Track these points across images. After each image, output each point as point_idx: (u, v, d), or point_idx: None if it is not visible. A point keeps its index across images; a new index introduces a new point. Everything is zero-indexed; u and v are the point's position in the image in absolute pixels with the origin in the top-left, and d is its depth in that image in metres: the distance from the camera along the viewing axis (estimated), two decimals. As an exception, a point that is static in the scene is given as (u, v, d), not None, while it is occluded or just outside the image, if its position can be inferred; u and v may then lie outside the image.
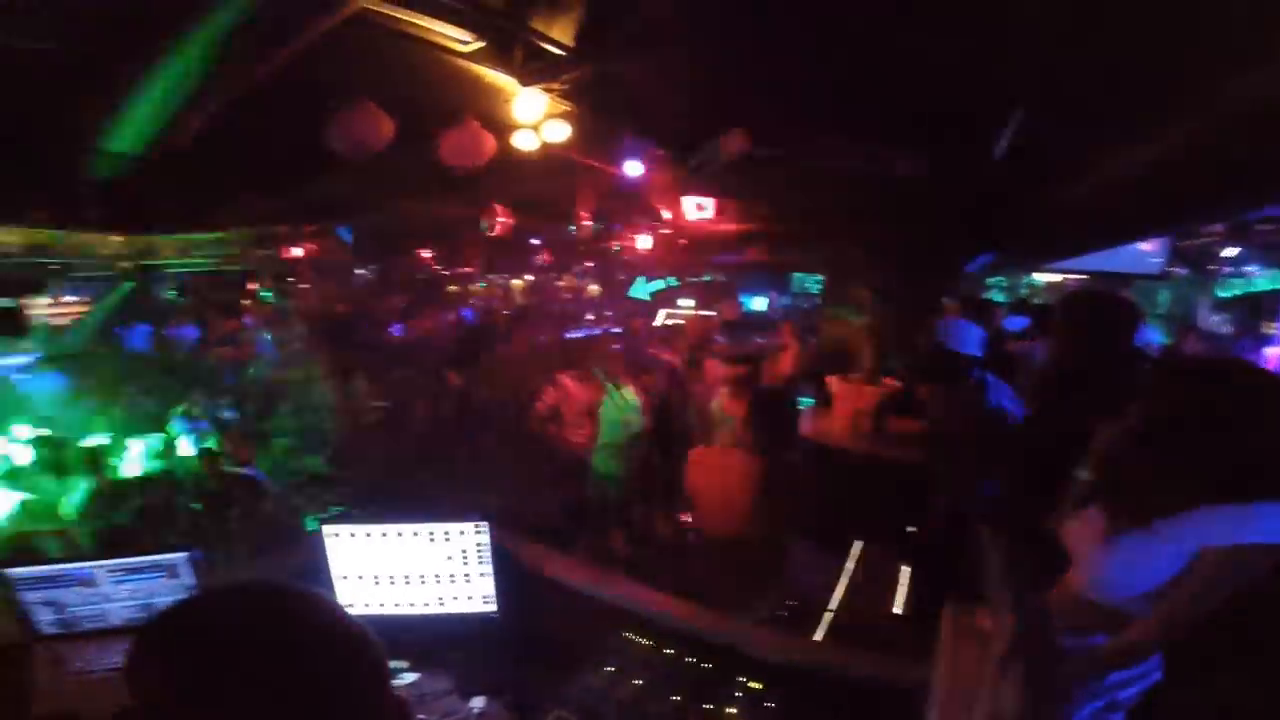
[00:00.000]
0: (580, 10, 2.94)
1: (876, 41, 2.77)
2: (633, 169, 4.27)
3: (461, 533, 2.11)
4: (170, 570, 2.07)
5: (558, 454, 4.01)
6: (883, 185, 3.60)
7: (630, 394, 4.69)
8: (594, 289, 14.26)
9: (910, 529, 3.08)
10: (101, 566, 2.07)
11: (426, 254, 13.57)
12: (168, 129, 2.96)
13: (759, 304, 10.76)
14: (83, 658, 2.03)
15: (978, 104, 3.24)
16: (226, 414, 6.12)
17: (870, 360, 4.70)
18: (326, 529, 2.07)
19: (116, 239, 6.86)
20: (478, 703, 1.91)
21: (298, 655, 0.69)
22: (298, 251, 9.82)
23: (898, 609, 2.58)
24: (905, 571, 2.72)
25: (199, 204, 5.58)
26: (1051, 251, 5.93)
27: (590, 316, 11.29)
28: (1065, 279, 9.60)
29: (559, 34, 2.99)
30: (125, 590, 2.09)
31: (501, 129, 3.68)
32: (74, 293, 9.35)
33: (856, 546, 2.89)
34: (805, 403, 5.09)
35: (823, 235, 4.68)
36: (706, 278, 9.95)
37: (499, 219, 6.35)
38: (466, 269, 11.99)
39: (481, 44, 3.04)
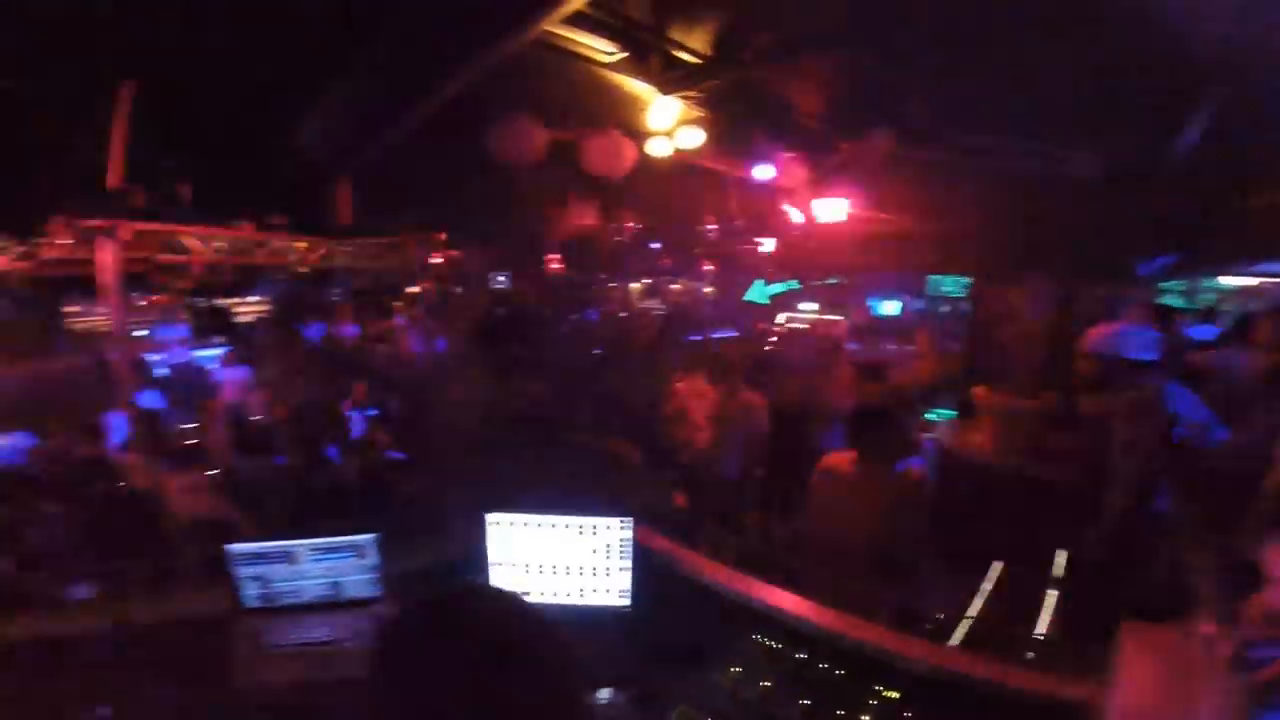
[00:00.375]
0: (719, 20, 2.98)
1: (1044, 35, 2.58)
2: (763, 171, 4.25)
3: (607, 528, 2.21)
4: (360, 551, 2.23)
5: (683, 456, 4.05)
6: (1050, 184, 3.33)
7: (749, 398, 4.63)
8: (708, 291, 14.24)
9: (1061, 551, 2.84)
10: (304, 544, 2.20)
11: (555, 259, 14.19)
12: (364, 140, 3.30)
13: (890, 308, 10.22)
14: (278, 632, 2.14)
15: (1161, 98, 2.92)
16: (381, 407, 6.74)
17: (1026, 370, 4.34)
18: (489, 516, 2.22)
19: (302, 244, 7.73)
20: (604, 694, 1.98)
21: (542, 658, 0.79)
22: (437, 259, 10.61)
23: (1040, 631, 2.39)
24: (1051, 594, 2.53)
25: (373, 209, 6.17)
26: (1252, 253, 5.17)
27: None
28: (1261, 283, 8.30)
29: (696, 43, 3.05)
30: (320, 568, 2.22)
31: (636, 137, 3.79)
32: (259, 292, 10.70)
33: (995, 567, 2.71)
34: (944, 415, 4.81)
35: (975, 235, 4.38)
36: (832, 280, 9.61)
37: (626, 223, 6.54)
38: (594, 274, 12.36)
39: (624, 54, 3.16)
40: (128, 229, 4.53)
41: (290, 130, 3.42)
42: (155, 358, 9.76)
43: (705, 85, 3.32)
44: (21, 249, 6.55)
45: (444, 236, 9.45)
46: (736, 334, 7.19)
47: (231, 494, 5.22)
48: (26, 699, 1.83)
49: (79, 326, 10.36)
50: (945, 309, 10.15)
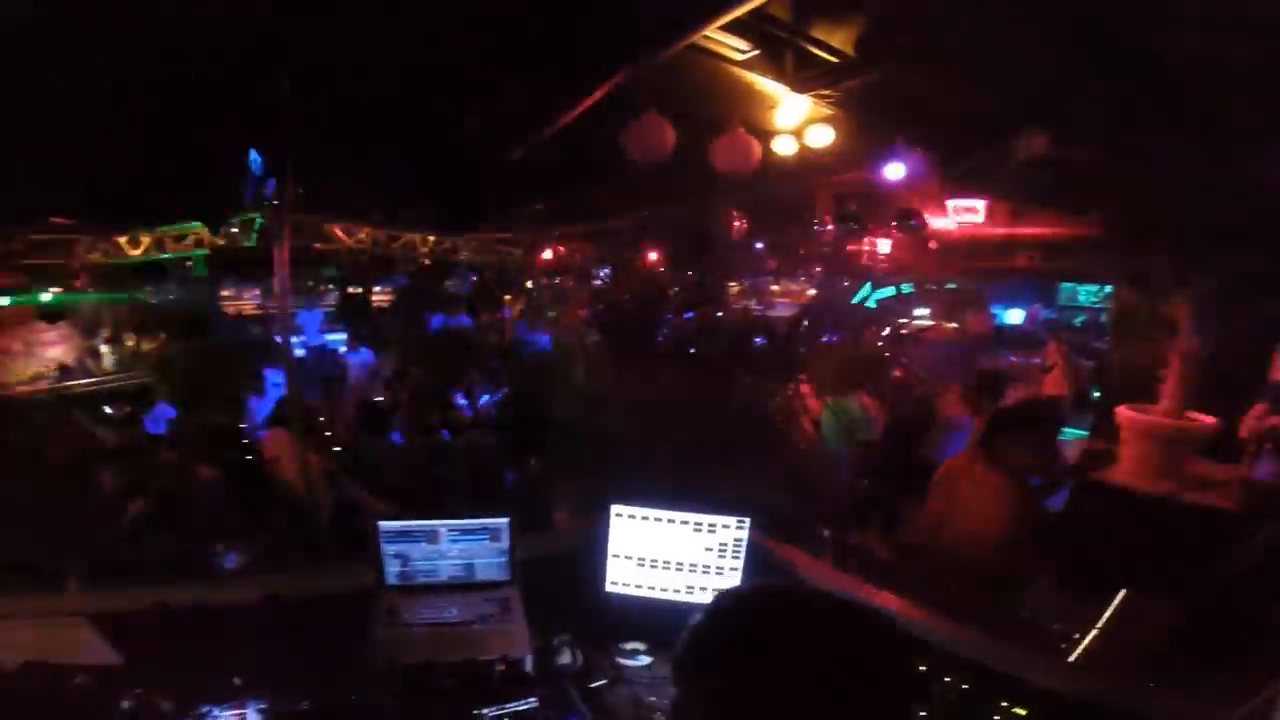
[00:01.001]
0: (863, 18, 2.90)
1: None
2: (894, 172, 4.10)
3: (725, 526, 2.22)
4: (494, 534, 2.28)
5: (794, 458, 4.01)
6: (1223, 187, 3.00)
7: (855, 404, 4.50)
8: (812, 293, 13.89)
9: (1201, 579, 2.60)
10: (444, 525, 2.26)
11: (653, 256, 14.36)
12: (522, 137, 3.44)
13: (1014, 316, 9.53)
14: (410, 610, 2.18)
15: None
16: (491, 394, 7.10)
17: (1177, 390, 3.95)
18: (614, 508, 2.28)
19: (431, 238, 8.25)
20: None
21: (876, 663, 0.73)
22: (547, 254, 10.99)
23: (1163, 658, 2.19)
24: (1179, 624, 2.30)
25: (499, 205, 6.47)
26: None
27: (807, 323, 11.01)
28: None
29: (837, 41, 2.99)
30: (457, 549, 2.28)
31: (758, 135, 3.77)
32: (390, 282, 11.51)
33: (1121, 592, 2.50)
34: (1074, 434, 4.47)
35: (1132, 242, 4.00)
36: (950, 285, 9.09)
37: (735, 223, 6.51)
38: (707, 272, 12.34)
39: (756, 52, 3.15)
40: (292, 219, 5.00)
41: (452, 123, 3.60)
42: (293, 339, 10.76)
43: (843, 85, 3.25)
44: (194, 237, 7.42)
45: (557, 232, 9.69)
46: (848, 337, 6.99)
47: (355, 471, 5.69)
48: (183, 663, 1.91)
49: (230, 309, 11.64)
50: (1077, 320, 9.33)
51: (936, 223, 5.25)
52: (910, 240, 5.90)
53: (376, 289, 11.95)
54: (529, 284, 11.35)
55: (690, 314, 8.60)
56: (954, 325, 8.17)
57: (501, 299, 12.18)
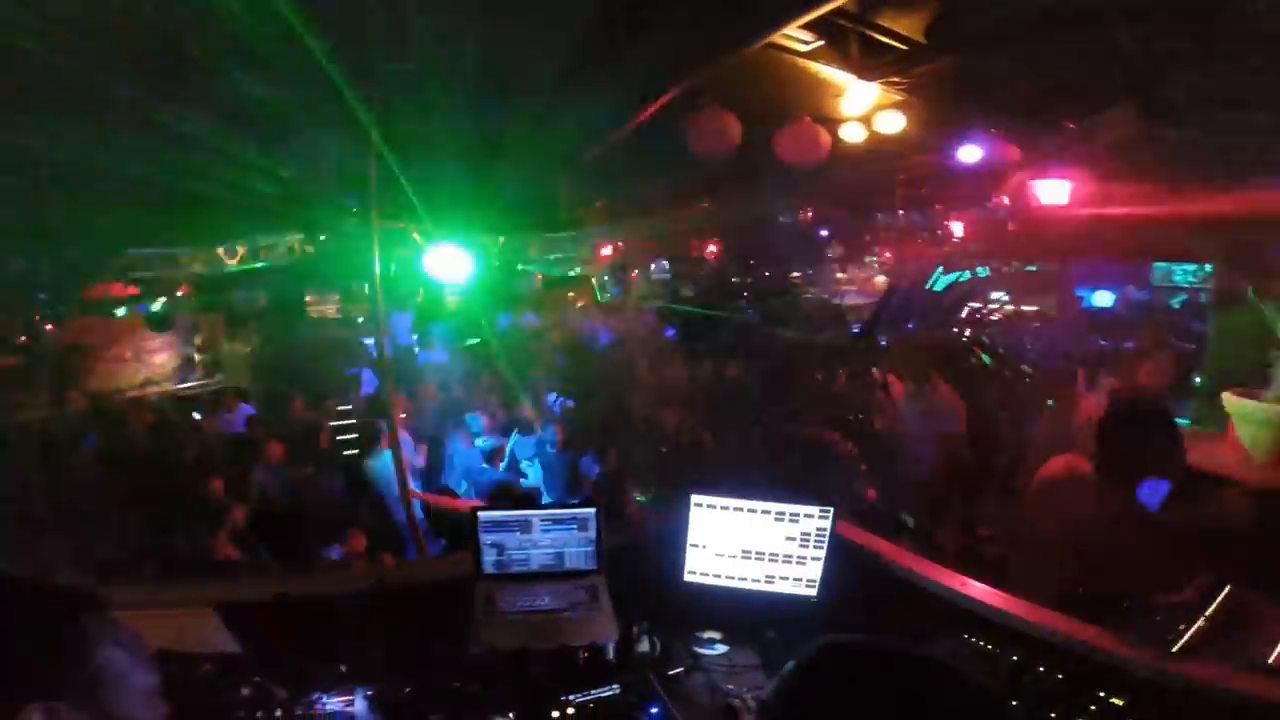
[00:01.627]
0: (934, 5, 2.83)
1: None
2: (969, 154, 3.97)
3: (807, 516, 2.23)
4: (582, 523, 2.35)
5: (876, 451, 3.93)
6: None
7: (936, 393, 4.36)
8: (880, 280, 13.51)
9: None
10: (537, 515, 2.35)
11: (713, 249, 14.29)
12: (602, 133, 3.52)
13: (1103, 299, 8.94)
14: (506, 598, 2.25)
15: None
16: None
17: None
18: (694, 498, 2.30)
19: (501, 238, 8.52)
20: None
21: None
22: (607, 248, 11.12)
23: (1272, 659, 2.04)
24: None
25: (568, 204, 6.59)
26: None
27: (886, 311, 10.68)
28: None
29: (906, 28, 2.92)
30: (548, 539, 2.34)
31: (825, 123, 3.72)
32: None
33: (1225, 588, 2.33)
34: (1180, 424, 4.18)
35: (1230, 216, 3.73)
36: (1031, 267, 8.64)
37: (800, 212, 6.43)
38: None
39: (820, 43, 3.12)
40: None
41: (532, 124, 3.70)
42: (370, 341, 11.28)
43: (914, 71, 3.17)
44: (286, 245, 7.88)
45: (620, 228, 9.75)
46: (928, 324, 6.73)
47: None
48: (295, 651, 1.98)
49: (313, 312, 12.30)
50: (1176, 300, 8.65)
51: (1017, 204, 5.03)
52: (987, 223, 5.67)
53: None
54: (592, 280, 11.53)
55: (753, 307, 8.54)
56: (1035, 309, 7.79)
57: (565, 296, 12.41)
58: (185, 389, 9.60)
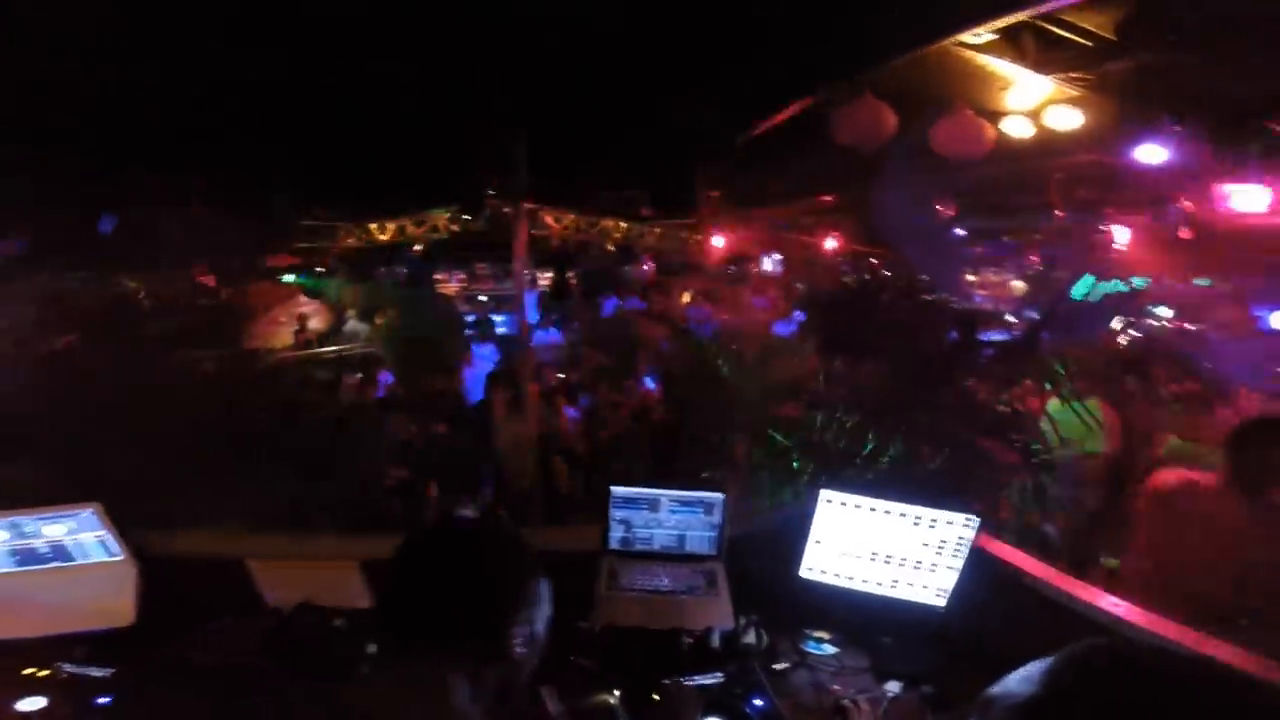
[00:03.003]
0: (1130, 1, 2.61)
1: None
2: (1151, 154, 3.61)
3: (949, 523, 2.14)
4: (709, 507, 2.35)
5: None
6: None
7: (1088, 409, 4.04)
8: (1017, 285, 12.52)
9: None
10: (666, 494, 2.34)
11: (831, 244, 13.82)
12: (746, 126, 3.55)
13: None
14: (628, 575, 2.28)
15: None
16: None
17: None
18: (824, 493, 2.25)
19: (623, 225, 8.75)
20: (893, 687, 1.96)
21: None
22: (719, 240, 11.04)
23: None
24: None
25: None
26: None
27: (1011, 318, 9.95)
28: None
29: (1094, 24, 2.71)
30: (674, 520, 2.36)
31: (986, 116, 3.52)
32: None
33: None
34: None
35: None
36: (1201, 281, 7.69)
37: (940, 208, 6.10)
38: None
39: (993, 36, 2.95)
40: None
41: (674, 113, 3.78)
42: (497, 318, 11.93)
43: (1101, 68, 2.95)
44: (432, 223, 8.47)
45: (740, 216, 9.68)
46: (1086, 335, 6.20)
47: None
48: None
49: (442, 290, 13.11)
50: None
51: (1199, 211, 4.52)
52: (1156, 229, 5.12)
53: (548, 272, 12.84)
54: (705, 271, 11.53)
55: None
56: (1201, 326, 6.97)
57: (674, 284, 12.49)
58: (328, 353, 10.57)
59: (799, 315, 8.47)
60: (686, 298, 12.32)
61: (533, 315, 9.91)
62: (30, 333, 3.31)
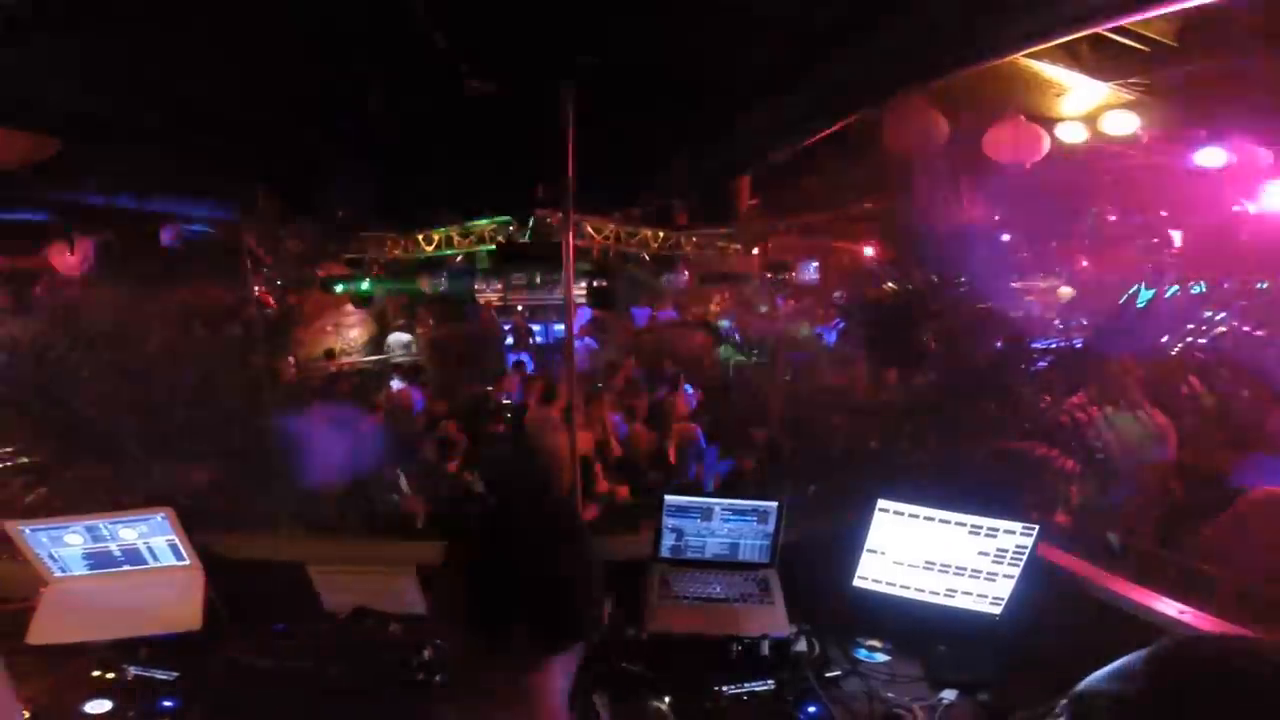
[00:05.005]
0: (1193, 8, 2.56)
1: None
2: (1210, 157, 3.53)
3: (1008, 531, 2.13)
4: (763, 516, 2.36)
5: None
6: None
7: (1142, 418, 3.93)
8: (1065, 291, 12.17)
9: None
10: (719, 503, 2.36)
11: (870, 251, 13.64)
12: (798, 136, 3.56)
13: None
14: (679, 582, 2.30)
15: None
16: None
17: None
18: (880, 503, 2.25)
19: (661, 234, 8.82)
20: (948, 695, 1.94)
21: None
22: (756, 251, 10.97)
23: None
24: None
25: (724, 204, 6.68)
26: None
27: (1059, 324, 9.65)
28: None
29: (1154, 30, 2.68)
30: (726, 528, 2.36)
31: (1038, 121, 3.48)
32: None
33: None
34: None
35: None
36: (1263, 284, 7.36)
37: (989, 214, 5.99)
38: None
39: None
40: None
41: (727, 126, 3.80)
42: (535, 327, 12.11)
43: (1161, 72, 2.91)
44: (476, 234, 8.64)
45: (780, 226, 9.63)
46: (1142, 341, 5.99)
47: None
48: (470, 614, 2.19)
49: (481, 300, 13.37)
50: None
51: (1261, 211, 4.37)
52: (1216, 233, 4.95)
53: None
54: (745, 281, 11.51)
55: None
56: (1263, 331, 6.68)
57: (710, 294, 12.47)
58: (369, 361, 10.85)
59: (838, 323, 8.41)
60: (715, 306, 12.32)
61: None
62: (109, 340, 3.48)
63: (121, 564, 2.31)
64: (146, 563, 2.31)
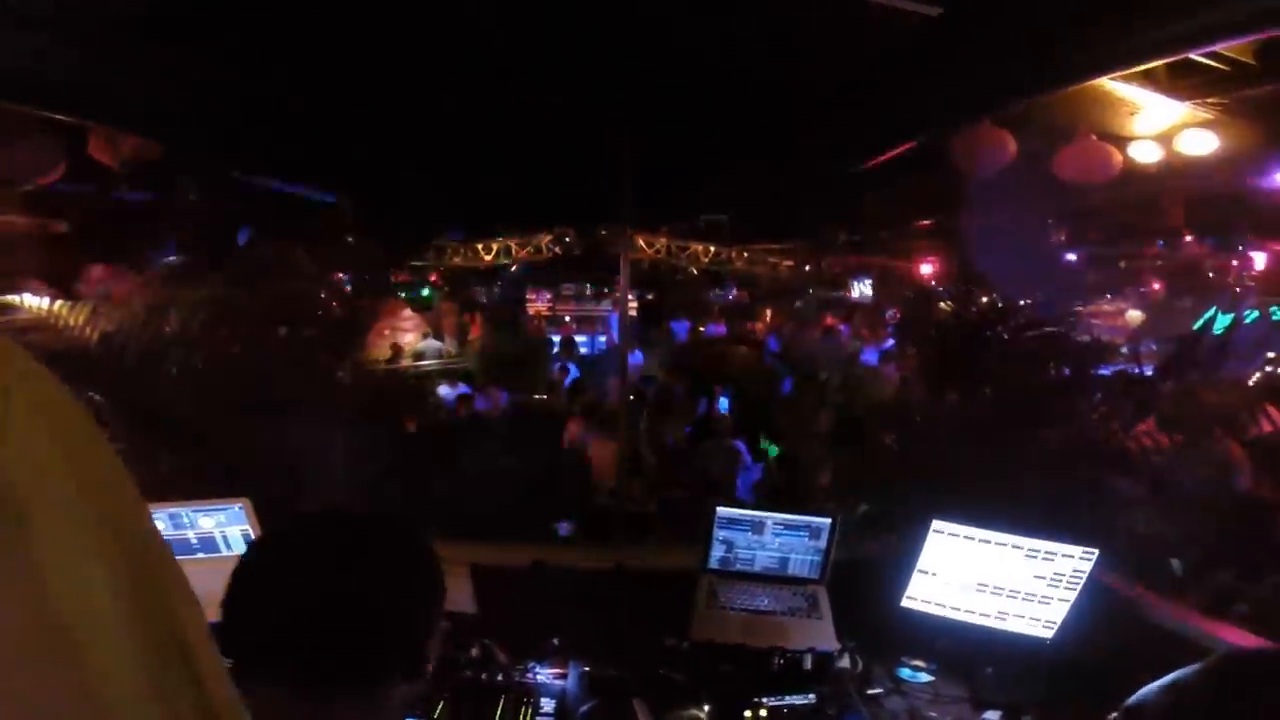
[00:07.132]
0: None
1: None
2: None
3: (1066, 555, 2.09)
4: (814, 531, 2.35)
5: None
6: None
7: (1216, 451, 3.76)
8: (1134, 315, 11.64)
9: None
10: (771, 517, 2.36)
11: (927, 269, 13.38)
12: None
13: None
14: (727, 594, 2.30)
15: None
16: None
17: None
18: (935, 524, 2.23)
19: (712, 247, 8.91)
20: (991, 716, 1.93)
21: None
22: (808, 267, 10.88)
23: None
24: None
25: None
26: None
27: (1125, 350, 9.23)
28: None
29: (1235, 50, 2.62)
30: (777, 542, 2.37)
31: (1110, 141, 3.41)
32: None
33: None
34: None
35: None
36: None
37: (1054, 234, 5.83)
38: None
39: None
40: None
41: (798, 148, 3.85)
42: (581, 339, 12.28)
43: (1240, 92, 2.83)
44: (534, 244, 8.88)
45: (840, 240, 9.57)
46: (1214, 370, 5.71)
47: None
48: (517, 618, 2.08)
49: (531, 310, 13.63)
50: None
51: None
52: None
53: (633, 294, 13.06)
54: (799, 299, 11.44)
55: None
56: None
57: (760, 310, 12.43)
58: (423, 366, 11.17)
59: (889, 343, 8.28)
60: (769, 323, 12.26)
61: (616, 337, 10.15)
62: (196, 337, 3.72)
63: (196, 551, 2.35)
64: (220, 551, 2.35)
